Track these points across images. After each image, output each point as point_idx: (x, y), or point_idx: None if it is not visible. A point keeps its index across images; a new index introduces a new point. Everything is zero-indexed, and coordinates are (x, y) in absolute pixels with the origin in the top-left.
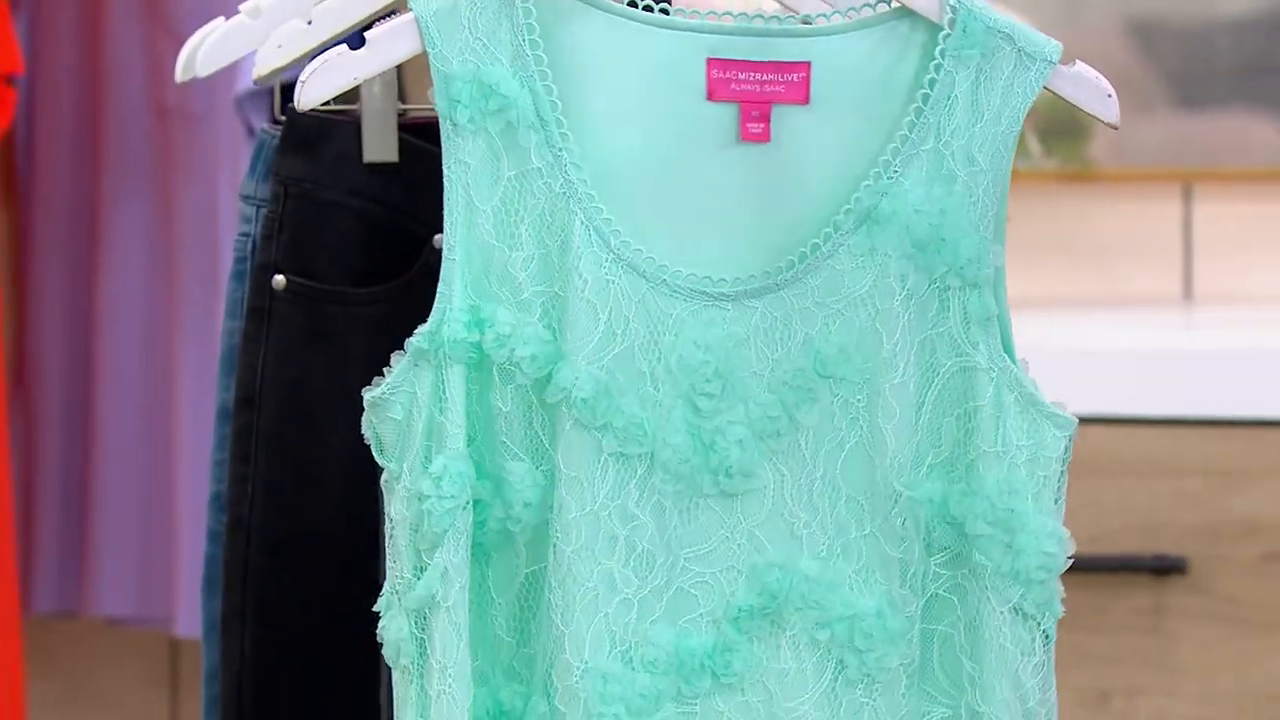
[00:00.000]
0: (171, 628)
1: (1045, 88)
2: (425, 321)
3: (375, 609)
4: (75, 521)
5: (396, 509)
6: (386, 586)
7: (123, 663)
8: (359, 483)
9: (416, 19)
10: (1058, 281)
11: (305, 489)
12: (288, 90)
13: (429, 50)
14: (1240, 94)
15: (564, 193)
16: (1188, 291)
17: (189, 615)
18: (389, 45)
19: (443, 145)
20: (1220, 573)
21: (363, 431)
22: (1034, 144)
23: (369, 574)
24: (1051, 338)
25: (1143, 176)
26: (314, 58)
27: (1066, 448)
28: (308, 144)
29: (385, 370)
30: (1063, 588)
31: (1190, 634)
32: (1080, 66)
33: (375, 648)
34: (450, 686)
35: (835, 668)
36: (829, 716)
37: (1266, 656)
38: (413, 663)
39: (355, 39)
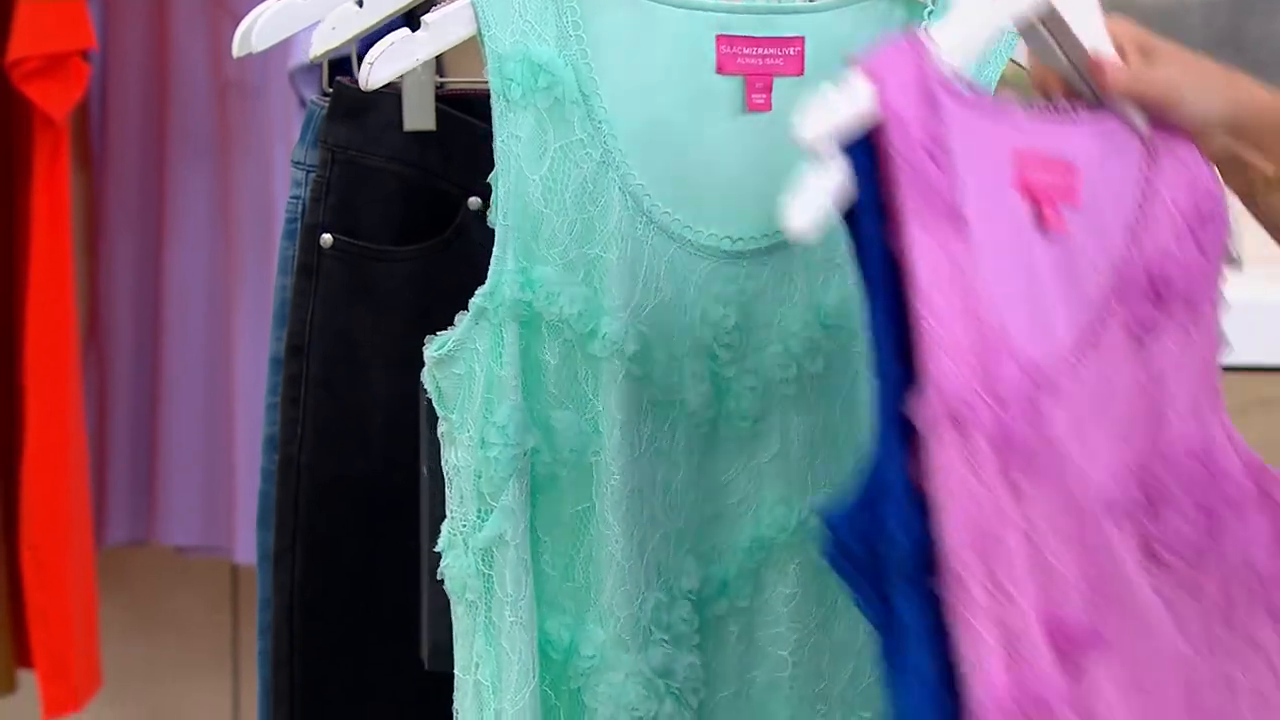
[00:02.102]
0: (232, 556)
1: (1012, 60)
2: (460, 277)
3: (437, 549)
4: (144, 461)
5: (460, 456)
6: (448, 527)
7: (188, 588)
8: (399, 424)
9: (472, 4)
10: None
11: (350, 430)
12: (336, 64)
13: (483, 33)
14: None
15: (603, 161)
16: None
17: (248, 544)
18: (447, 28)
19: (494, 120)
20: None
21: (424, 385)
22: None
23: (406, 509)
24: None
25: None
26: (363, 38)
27: None
28: (353, 114)
29: (423, 322)
30: None
31: None
32: None
33: (414, 577)
34: (521, 616)
35: (835, 591)
36: (829, 635)
37: None
38: (479, 597)
39: (402, 20)
